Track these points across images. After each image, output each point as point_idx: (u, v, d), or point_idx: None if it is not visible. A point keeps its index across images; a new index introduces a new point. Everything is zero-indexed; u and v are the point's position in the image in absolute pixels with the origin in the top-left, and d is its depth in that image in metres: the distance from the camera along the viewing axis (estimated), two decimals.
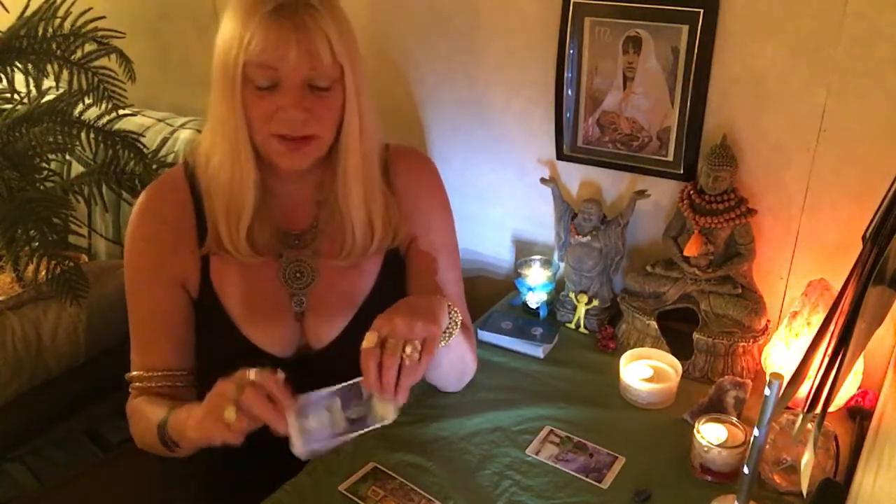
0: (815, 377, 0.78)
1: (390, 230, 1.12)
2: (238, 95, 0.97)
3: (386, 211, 1.11)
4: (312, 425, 0.89)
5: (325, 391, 0.90)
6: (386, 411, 0.89)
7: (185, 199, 1.10)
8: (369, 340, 0.90)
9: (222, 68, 0.97)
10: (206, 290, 1.10)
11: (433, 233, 1.17)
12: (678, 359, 1.25)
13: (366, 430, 0.90)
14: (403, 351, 0.88)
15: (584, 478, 1.06)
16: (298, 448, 0.88)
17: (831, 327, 0.80)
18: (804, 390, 0.89)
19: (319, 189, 1.10)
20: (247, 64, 0.95)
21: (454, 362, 1.15)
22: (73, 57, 1.55)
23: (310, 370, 0.94)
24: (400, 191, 1.15)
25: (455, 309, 1.05)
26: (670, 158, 1.36)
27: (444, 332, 1.02)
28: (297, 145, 1.00)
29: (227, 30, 0.96)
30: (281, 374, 0.89)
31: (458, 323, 1.04)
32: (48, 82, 1.61)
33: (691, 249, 1.30)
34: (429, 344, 0.91)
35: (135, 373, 1.11)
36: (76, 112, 1.60)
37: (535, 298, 1.48)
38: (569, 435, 1.15)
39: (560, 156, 1.49)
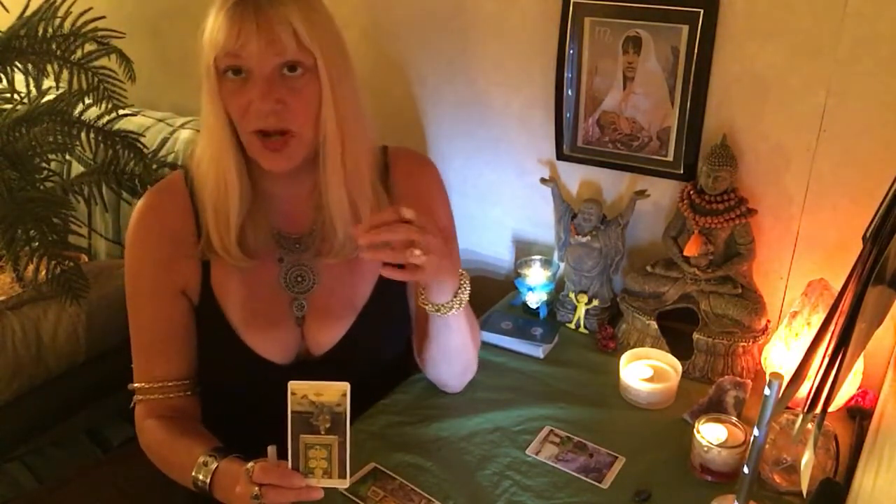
0: (815, 377, 0.78)
1: None
2: (216, 93, 0.98)
3: (377, 208, 1.09)
4: (318, 464, 0.88)
5: (289, 442, 0.88)
6: (335, 394, 0.87)
7: (185, 205, 1.09)
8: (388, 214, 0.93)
9: (202, 68, 0.99)
10: (206, 297, 1.09)
11: None
12: (678, 359, 1.26)
13: (346, 421, 0.87)
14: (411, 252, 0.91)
15: (584, 478, 1.06)
16: (346, 485, 0.90)
17: (831, 327, 0.79)
18: (804, 390, 0.88)
19: (317, 192, 1.08)
20: (217, 58, 0.96)
21: (459, 350, 1.14)
22: (73, 57, 1.55)
23: (309, 377, 0.91)
24: (400, 195, 1.14)
25: (467, 282, 1.05)
26: (670, 158, 1.36)
27: (455, 298, 1.03)
28: (275, 146, 0.99)
29: (204, 31, 0.99)
30: (272, 449, 0.89)
31: (467, 295, 1.05)
32: (48, 82, 1.61)
33: (691, 249, 1.30)
34: (433, 257, 0.93)
35: (138, 384, 1.11)
36: (76, 112, 1.59)
37: (535, 298, 1.48)
38: (569, 435, 1.15)
39: (560, 156, 1.49)
